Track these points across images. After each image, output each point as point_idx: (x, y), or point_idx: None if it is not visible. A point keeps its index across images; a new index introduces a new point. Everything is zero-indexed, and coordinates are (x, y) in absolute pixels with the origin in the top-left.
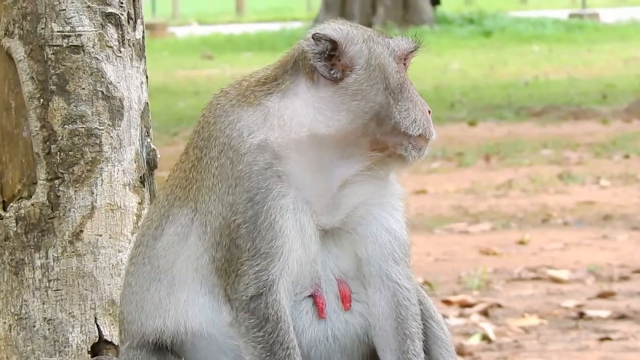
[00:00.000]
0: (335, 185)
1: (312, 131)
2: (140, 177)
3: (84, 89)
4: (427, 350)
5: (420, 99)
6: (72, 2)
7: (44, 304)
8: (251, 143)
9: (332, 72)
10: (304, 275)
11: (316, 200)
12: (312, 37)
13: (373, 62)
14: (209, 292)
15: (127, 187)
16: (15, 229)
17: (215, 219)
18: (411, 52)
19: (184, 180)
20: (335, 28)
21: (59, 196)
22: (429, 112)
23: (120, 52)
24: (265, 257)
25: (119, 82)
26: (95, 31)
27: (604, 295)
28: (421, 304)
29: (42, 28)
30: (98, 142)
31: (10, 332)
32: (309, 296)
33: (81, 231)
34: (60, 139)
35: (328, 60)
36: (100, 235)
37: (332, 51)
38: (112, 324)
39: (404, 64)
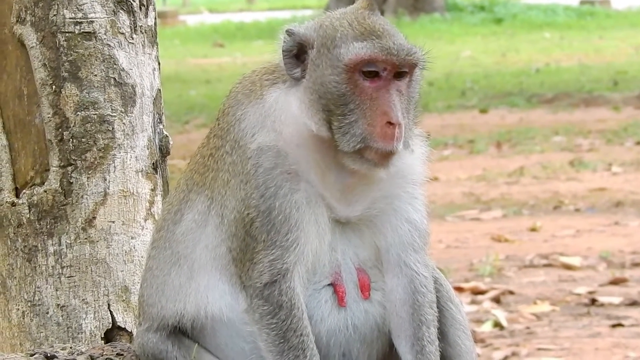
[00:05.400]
0: (346, 181)
1: (308, 131)
2: (153, 163)
3: (96, 75)
4: (444, 333)
5: (375, 110)
6: None
7: (57, 290)
8: (254, 146)
9: (295, 71)
10: (323, 263)
11: (330, 194)
12: (286, 32)
13: (315, 72)
14: (228, 281)
15: (140, 173)
16: (28, 215)
17: (230, 212)
18: (367, 61)
19: (202, 166)
20: (307, 26)
21: (71, 183)
22: (393, 124)
23: (133, 38)
24: (280, 248)
25: (131, 69)
26: (107, 18)
27: (615, 282)
28: (441, 287)
29: (54, 15)
30: (110, 128)
31: (23, 318)
32: (329, 285)
33: (94, 218)
34: (73, 126)
35: (296, 58)
36: (113, 222)
37: (300, 49)
38: (125, 311)
39: (365, 72)
